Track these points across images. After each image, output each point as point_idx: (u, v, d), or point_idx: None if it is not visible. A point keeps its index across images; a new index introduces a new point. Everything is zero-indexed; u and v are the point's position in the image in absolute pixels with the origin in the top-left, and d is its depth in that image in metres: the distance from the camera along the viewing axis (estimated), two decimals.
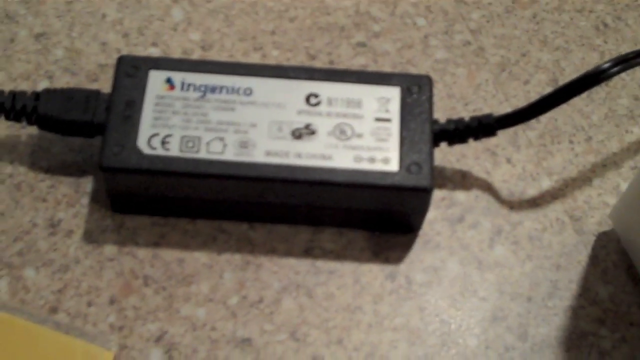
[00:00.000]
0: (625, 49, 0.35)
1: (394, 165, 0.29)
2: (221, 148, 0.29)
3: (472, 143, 0.32)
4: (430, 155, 0.29)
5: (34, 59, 0.33)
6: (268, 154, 0.29)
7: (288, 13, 0.35)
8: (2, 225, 0.30)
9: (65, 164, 0.32)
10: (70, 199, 0.31)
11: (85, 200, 0.31)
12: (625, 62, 0.29)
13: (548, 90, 0.34)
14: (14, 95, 0.30)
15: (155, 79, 0.30)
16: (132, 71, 0.30)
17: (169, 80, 0.30)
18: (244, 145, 0.29)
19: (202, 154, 0.29)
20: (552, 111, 0.33)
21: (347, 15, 0.35)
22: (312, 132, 0.29)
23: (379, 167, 0.29)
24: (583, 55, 0.35)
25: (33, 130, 0.32)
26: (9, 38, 0.34)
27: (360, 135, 0.29)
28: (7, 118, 0.31)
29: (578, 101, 0.34)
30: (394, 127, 0.29)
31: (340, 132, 0.29)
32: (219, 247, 0.31)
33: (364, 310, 0.30)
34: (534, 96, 0.34)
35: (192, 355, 0.29)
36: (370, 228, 0.31)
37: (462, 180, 0.32)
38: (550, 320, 0.30)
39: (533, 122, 0.33)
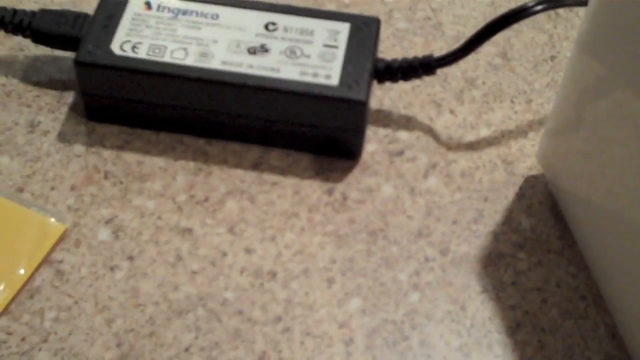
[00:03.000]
0: (573, 34, 0.38)
1: (334, 81, 0.32)
2: (183, 55, 0.32)
3: (419, 94, 0.36)
4: (369, 77, 0.32)
5: None
6: (224, 63, 0.32)
7: None
8: None
9: (52, 80, 0.36)
10: (52, 107, 0.35)
11: (64, 109, 0.35)
12: (549, 2, 0.32)
13: (496, 60, 0.37)
14: (14, 11, 0.35)
15: (136, 1, 0.34)
16: None
17: (147, 3, 0.34)
18: (203, 55, 0.32)
19: (166, 59, 0.32)
20: (498, 76, 0.36)
21: None
22: (266, 50, 0.33)
23: (320, 81, 0.32)
24: (533, 35, 0.38)
25: (30, 51, 0.36)
26: None
27: (308, 56, 0.33)
28: (6, 31, 0.35)
29: (524, 71, 0.37)
30: (340, 53, 0.33)
31: (291, 52, 0.33)
32: (176, 155, 0.34)
33: (299, 216, 0.32)
34: (483, 64, 0.37)
35: (136, 237, 0.31)
36: (315, 151, 0.34)
37: (407, 123, 0.35)
38: (471, 241, 0.32)
39: (479, 83, 0.36)
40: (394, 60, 0.34)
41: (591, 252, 0.31)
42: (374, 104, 0.35)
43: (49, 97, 0.35)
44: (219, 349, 0.29)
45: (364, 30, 0.33)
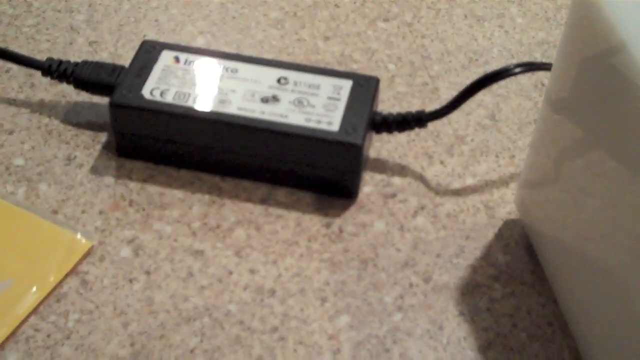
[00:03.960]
0: None
1: (335, 127, 0.36)
2: (204, 102, 0.37)
3: (414, 147, 0.40)
4: (366, 125, 0.36)
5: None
6: (239, 108, 0.37)
7: (287, 50, 0.44)
8: (31, 155, 0.39)
9: (89, 122, 0.40)
10: (87, 145, 0.39)
11: (98, 147, 0.39)
12: (527, 65, 0.36)
13: (485, 121, 0.41)
14: (60, 61, 0.40)
15: (166, 56, 0.39)
16: (150, 49, 0.39)
17: (176, 57, 0.39)
18: (222, 101, 0.37)
19: (189, 104, 0.37)
20: (486, 134, 0.41)
21: (333, 57, 0.44)
22: (277, 100, 0.37)
23: (323, 127, 0.36)
24: (520, 102, 0.42)
25: (71, 98, 0.41)
26: (69, 41, 0.44)
27: (314, 106, 0.37)
28: (52, 78, 0.40)
29: (509, 131, 0.41)
30: (341, 104, 0.37)
31: (299, 102, 0.37)
32: (194, 189, 0.38)
33: (299, 244, 0.36)
34: (473, 124, 0.41)
35: (154, 255, 0.36)
36: (317, 190, 0.38)
37: (401, 170, 0.39)
38: (452, 272, 0.36)
39: (468, 140, 0.41)
40: (390, 114, 0.38)
41: (559, 286, 0.35)
42: (372, 153, 0.40)
43: (85, 136, 0.40)
44: (220, 352, 0.33)
45: (365, 87, 0.38)
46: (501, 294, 0.35)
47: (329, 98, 0.38)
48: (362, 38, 0.45)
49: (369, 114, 0.37)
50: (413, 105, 0.42)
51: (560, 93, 0.32)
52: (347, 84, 0.38)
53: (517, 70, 0.37)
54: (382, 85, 0.43)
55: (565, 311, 0.34)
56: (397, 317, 0.34)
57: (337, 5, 0.47)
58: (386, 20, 0.46)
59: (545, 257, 0.36)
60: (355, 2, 0.47)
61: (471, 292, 0.35)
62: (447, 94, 0.43)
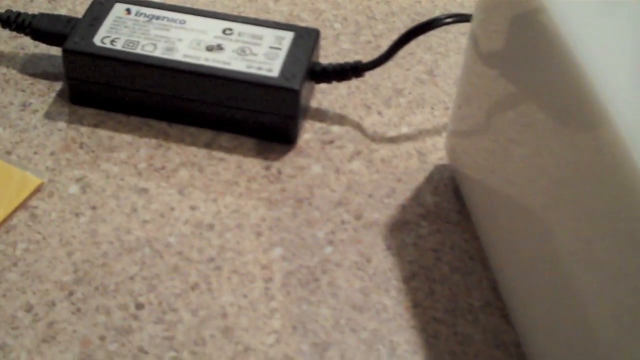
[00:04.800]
0: None
1: (275, 73, 0.38)
2: (152, 49, 0.39)
3: (353, 99, 0.42)
4: (304, 73, 0.39)
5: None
6: (185, 56, 0.39)
7: (238, 9, 0.46)
8: None
9: (45, 72, 0.42)
10: (42, 93, 0.41)
11: (52, 95, 0.41)
12: (457, 16, 0.39)
13: (423, 76, 0.43)
14: (18, 13, 0.42)
15: (118, 8, 0.41)
16: (103, 2, 0.41)
17: (127, 9, 0.41)
18: (169, 49, 0.39)
19: (138, 51, 0.39)
20: (423, 88, 0.43)
21: (282, 16, 0.46)
22: (221, 49, 0.39)
23: (264, 72, 0.38)
24: (457, 59, 0.45)
25: (29, 50, 0.43)
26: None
27: (256, 54, 0.39)
28: (10, 29, 0.42)
29: (445, 85, 0.43)
30: (282, 53, 0.39)
31: (242, 51, 0.39)
32: (141, 133, 0.40)
33: (239, 184, 0.38)
34: (411, 79, 0.43)
35: (100, 192, 0.38)
36: (258, 136, 0.40)
37: (340, 120, 0.41)
38: (383, 211, 0.38)
39: (406, 93, 0.43)
40: (329, 64, 0.41)
41: (482, 224, 0.37)
42: (314, 104, 0.42)
43: (41, 85, 0.42)
44: (158, 279, 0.35)
45: (305, 38, 0.40)
46: (428, 230, 0.37)
47: (271, 47, 0.40)
48: (315, 1, 0.47)
49: (307, 63, 0.39)
50: (357, 59, 0.44)
51: (481, 45, 0.34)
52: (289, 35, 0.40)
53: (448, 20, 0.39)
54: (327, 43, 0.45)
55: (486, 247, 0.36)
56: (327, 250, 0.36)
57: None
58: None
59: (470, 198, 0.38)
60: None
61: (399, 228, 0.37)
62: None
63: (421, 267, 0.36)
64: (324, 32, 0.45)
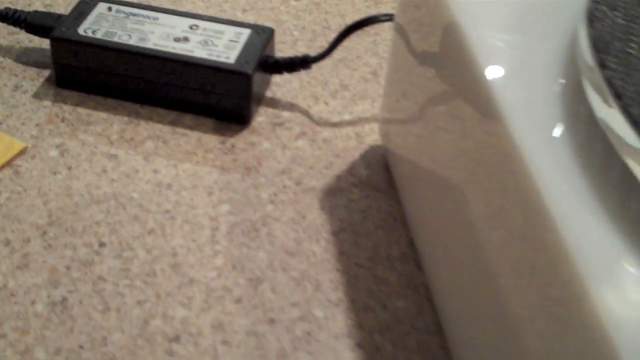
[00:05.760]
0: None
1: (231, 60, 0.45)
2: (127, 39, 0.45)
3: (304, 91, 0.48)
4: (257, 61, 0.45)
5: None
6: (155, 44, 0.45)
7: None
8: None
9: (37, 62, 0.49)
10: (33, 77, 0.48)
11: (42, 79, 0.48)
12: (391, 15, 0.45)
13: (367, 76, 0.49)
14: (15, 10, 0.48)
15: (101, 6, 0.47)
16: (89, 1, 0.48)
17: (109, 7, 0.47)
18: (142, 39, 0.46)
19: (115, 39, 0.45)
20: (367, 85, 0.49)
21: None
22: (187, 40, 0.46)
23: (222, 59, 0.45)
24: None
25: (24, 44, 0.50)
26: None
27: (217, 45, 0.45)
28: (8, 23, 0.48)
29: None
30: (239, 45, 0.46)
31: (204, 42, 0.46)
32: (116, 112, 0.46)
33: (197, 154, 0.44)
34: (357, 77, 0.49)
35: (76, 157, 0.43)
36: (217, 117, 0.46)
37: (291, 107, 0.47)
38: (320, 180, 0.43)
39: (351, 88, 0.49)
40: (281, 57, 0.47)
41: (405, 192, 0.42)
42: (269, 94, 0.48)
43: (32, 71, 0.48)
44: (120, 224, 0.40)
45: (261, 35, 0.46)
46: (358, 196, 0.43)
47: (230, 41, 0.46)
48: (275, 12, 0.54)
49: (260, 54, 0.45)
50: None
51: (401, 39, 0.40)
52: (246, 32, 0.47)
53: (383, 18, 0.45)
54: (286, 47, 0.51)
55: (407, 210, 0.42)
56: (269, 208, 0.42)
57: None
58: None
59: (397, 171, 0.43)
60: None
61: (334, 193, 0.43)
62: (339, 54, 0.51)
63: (349, 224, 0.41)
64: (284, 39, 0.52)
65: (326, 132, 0.46)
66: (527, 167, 0.28)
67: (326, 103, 0.48)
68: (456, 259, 0.36)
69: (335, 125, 0.46)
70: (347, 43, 0.52)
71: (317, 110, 0.47)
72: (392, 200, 0.43)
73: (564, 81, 0.30)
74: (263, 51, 0.46)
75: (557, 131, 0.28)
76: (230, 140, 0.45)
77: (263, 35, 0.46)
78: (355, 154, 0.45)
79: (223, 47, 0.45)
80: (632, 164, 0.26)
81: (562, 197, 0.26)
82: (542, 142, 0.28)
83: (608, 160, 0.27)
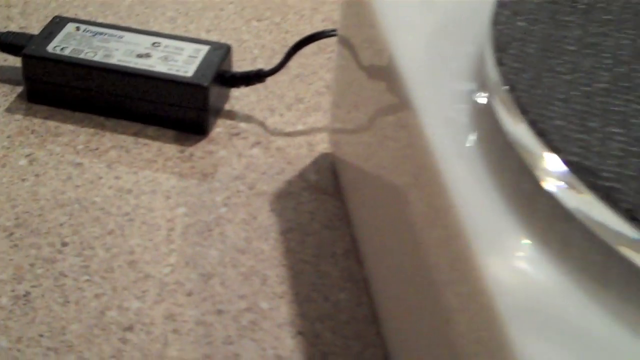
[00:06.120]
0: None
1: (190, 74, 0.48)
2: (93, 55, 0.49)
3: (261, 104, 0.51)
4: (213, 74, 0.48)
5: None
6: (119, 60, 0.48)
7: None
8: None
9: (10, 79, 0.52)
10: (5, 93, 0.51)
11: (14, 95, 0.51)
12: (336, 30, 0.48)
13: (322, 89, 0.53)
14: None
15: (70, 26, 0.51)
16: (58, 21, 0.51)
17: (77, 27, 0.51)
18: (107, 55, 0.49)
19: (82, 56, 0.49)
20: (320, 98, 0.52)
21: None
22: (149, 56, 0.49)
23: (180, 73, 0.48)
24: None
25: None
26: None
27: (176, 61, 0.49)
28: None
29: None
30: (198, 61, 0.49)
31: (165, 58, 0.49)
32: (83, 124, 0.49)
33: (157, 162, 0.47)
34: (311, 91, 0.53)
35: (44, 165, 0.46)
36: (178, 128, 0.49)
37: (248, 119, 0.50)
38: (272, 184, 0.46)
39: (305, 100, 0.52)
40: (237, 72, 0.50)
41: (349, 195, 0.45)
42: (228, 107, 0.51)
43: (5, 88, 0.51)
44: (82, 226, 0.43)
45: (218, 51, 0.50)
46: (307, 199, 0.46)
47: (189, 56, 0.49)
48: (237, 32, 0.57)
49: (217, 68, 0.48)
50: (268, 78, 0.53)
51: (343, 51, 0.43)
52: (205, 48, 0.50)
53: (330, 33, 0.48)
54: (246, 63, 0.54)
55: (351, 211, 0.45)
56: (222, 210, 0.45)
57: (221, 9, 0.59)
58: (259, 20, 0.58)
59: (343, 176, 0.46)
60: (237, 7, 0.59)
61: (284, 197, 0.46)
62: (295, 70, 0.54)
63: (297, 224, 0.44)
64: (244, 56, 0.55)
65: (280, 141, 0.49)
66: (437, 165, 0.30)
67: (281, 115, 0.51)
68: (389, 254, 0.39)
69: (288, 135, 0.49)
70: (304, 60, 0.55)
71: (272, 121, 0.50)
72: (338, 202, 0.46)
73: (474, 83, 0.33)
74: (220, 66, 0.49)
75: (466, 129, 0.31)
76: (189, 150, 0.48)
77: (220, 51, 0.50)
78: (307, 161, 0.48)
79: (182, 62, 0.49)
80: (519, 147, 0.29)
81: (466, 189, 0.29)
82: (449, 136, 0.31)
83: (506, 150, 0.30)
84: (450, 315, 0.30)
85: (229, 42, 0.56)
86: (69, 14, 0.57)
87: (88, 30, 0.51)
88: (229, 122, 0.50)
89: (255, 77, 0.50)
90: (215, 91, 0.48)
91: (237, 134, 0.49)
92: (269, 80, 0.52)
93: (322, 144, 0.49)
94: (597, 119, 0.29)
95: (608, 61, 0.31)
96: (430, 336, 0.33)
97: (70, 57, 0.49)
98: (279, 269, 0.42)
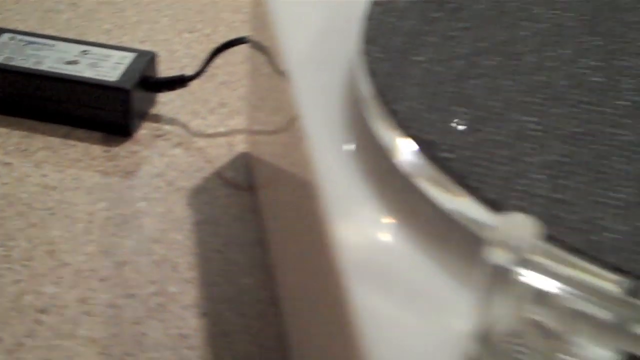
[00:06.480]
0: None
1: (114, 79, 0.51)
2: (24, 62, 0.52)
3: (185, 108, 0.54)
4: (136, 80, 0.51)
5: None
6: (49, 67, 0.51)
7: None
8: None
9: None
10: None
11: None
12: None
13: (245, 95, 0.56)
14: None
15: (4, 36, 0.54)
16: None
17: (12, 37, 0.54)
18: (37, 63, 0.52)
19: (13, 63, 0.52)
20: (243, 102, 0.55)
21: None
22: (77, 63, 0.52)
23: (106, 78, 0.51)
24: None
25: None
26: None
27: (103, 67, 0.52)
28: None
29: None
30: (123, 67, 0.52)
31: (93, 65, 0.52)
32: (15, 127, 0.52)
33: (83, 161, 0.50)
34: (234, 97, 0.56)
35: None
36: (105, 130, 0.52)
37: (172, 122, 0.53)
38: (191, 180, 0.49)
39: (228, 105, 0.55)
40: (160, 77, 0.53)
41: (261, 190, 0.48)
42: (154, 111, 0.54)
43: None
44: (6, 219, 0.46)
45: (143, 59, 0.53)
46: (223, 194, 0.49)
47: (115, 63, 0.52)
48: (169, 43, 0.60)
49: (141, 73, 0.51)
50: (194, 85, 0.56)
51: (252, 60, 0.46)
52: (131, 55, 0.53)
53: (246, 40, 0.51)
54: (174, 72, 0.57)
55: (261, 205, 0.48)
56: (141, 204, 0.48)
57: (156, 22, 0.62)
58: (191, 32, 0.61)
59: (256, 173, 0.49)
60: (170, 20, 0.62)
61: (201, 192, 0.49)
62: (222, 77, 0.57)
63: (211, 216, 0.47)
64: (173, 65, 0.58)
65: (201, 142, 0.52)
66: (308, 149, 0.33)
67: (204, 118, 0.54)
68: (287, 239, 0.41)
69: (210, 136, 0.52)
70: (230, 68, 0.58)
71: (195, 124, 0.53)
72: (251, 197, 0.48)
73: (350, 75, 0.36)
74: (144, 71, 0.52)
75: (338, 115, 0.34)
76: (114, 150, 0.51)
77: (145, 58, 0.53)
78: (225, 160, 0.51)
79: (109, 68, 0.52)
80: (375, 126, 0.32)
81: (329, 166, 0.32)
82: (322, 123, 0.34)
83: (369, 130, 0.33)
84: (318, 285, 0.33)
85: (160, 52, 0.59)
86: (11, 27, 0.60)
87: (21, 40, 0.54)
88: (154, 124, 0.53)
89: (178, 82, 0.53)
90: (139, 95, 0.51)
91: (160, 136, 0.52)
92: (195, 86, 0.56)
93: (241, 145, 0.52)
94: (446, 100, 0.32)
95: (465, 51, 0.34)
96: (313, 312, 0.35)
97: (2, 64, 0.51)
98: (190, 257, 0.45)
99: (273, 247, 0.44)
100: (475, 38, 0.35)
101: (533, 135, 0.30)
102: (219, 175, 0.50)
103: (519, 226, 0.23)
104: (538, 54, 0.34)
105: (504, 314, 0.23)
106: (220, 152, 0.51)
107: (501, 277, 0.22)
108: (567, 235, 0.26)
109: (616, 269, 0.25)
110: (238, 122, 0.54)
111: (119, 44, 0.59)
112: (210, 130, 0.53)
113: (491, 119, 0.31)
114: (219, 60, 0.59)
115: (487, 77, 0.33)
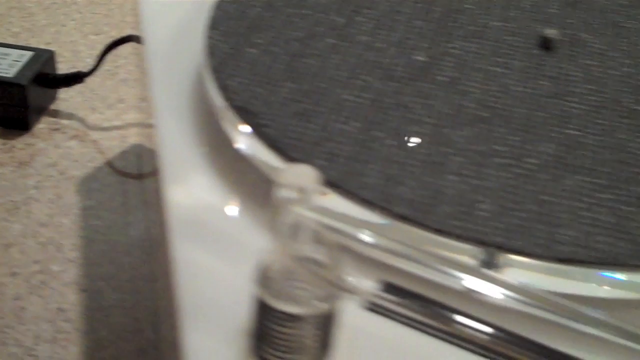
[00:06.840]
0: None
1: (11, 75, 0.53)
2: None
3: (84, 104, 0.57)
4: (32, 76, 0.53)
5: None
6: None
7: None
8: None
9: None
10: None
11: None
12: None
13: (143, 93, 0.58)
14: None
15: None
16: None
17: None
18: None
19: None
20: (139, 98, 0.58)
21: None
22: None
23: (3, 74, 0.53)
24: None
25: None
26: None
27: (1, 64, 0.54)
28: None
29: None
30: (21, 64, 0.54)
31: None
32: None
33: None
34: (132, 93, 0.58)
35: None
36: (4, 125, 0.54)
37: (70, 117, 0.56)
38: (82, 170, 0.52)
39: (125, 101, 0.57)
40: (57, 74, 0.56)
41: (148, 176, 0.51)
42: (54, 107, 0.56)
43: None
44: None
45: (41, 56, 0.55)
46: (111, 182, 0.51)
47: (14, 60, 0.55)
48: (74, 44, 0.63)
49: (38, 70, 0.54)
50: (95, 82, 0.59)
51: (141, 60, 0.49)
52: (29, 54, 0.55)
53: (135, 38, 0.54)
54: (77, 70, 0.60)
55: (147, 190, 0.50)
56: (32, 192, 0.50)
57: (63, 25, 0.65)
58: (97, 34, 0.64)
59: (146, 162, 0.52)
60: (78, 23, 0.65)
61: (91, 180, 0.51)
62: (122, 75, 0.60)
63: (99, 202, 0.50)
64: (77, 65, 0.61)
65: (96, 135, 0.55)
66: (159, 124, 0.36)
67: (101, 113, 0.57)
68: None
69: (105, 129, 0.55)
70: (132, 67, 0.61)
71: (92, 118, 0.56)
72: (141, 184, 0.51)
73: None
74: (42, 69, 0.54)
75: (185, 94, 0.37)
76: (11, 142, 0.54)
77: (43, 56, 0.55)
78: (117, 150, 0.54)
79: (7, 65, 0.54)
80: (210, 100, 0.35)
81: (171, 137, 0.35)
82: (172, 100, 0.37)
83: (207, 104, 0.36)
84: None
85: (65, 53, 0.62)
86: None
87: None
88: (52, 119, 0.56)
89: (73, 78, 0.55)
90: (35, 90, 0.54)
91: (57, 129, 0.55)
92: (95, 83, 0.58)
93: (133, 137, 0.55)
94: (277, 77, 0.35)
95: (302, 34, 0.37)
96: (164, 277, 0.38)
97: None
98: (75, 239, 0.47)
99: (155, 228, 0.47)
100: (315, 23, 0.38)
101: (349, 106, 0.33)
102: (110, 165, 0.52)
103: (303, 173, 0.26)
104: (371, 37, 0.38)
105: (279, 252, 0.26)
106: (113, 144, 0.54)
107: (280, 217, 0.25)
108: (360, 190, 0.29)
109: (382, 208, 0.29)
110: (133, 117, 0.56)
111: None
112: (106, 124, 0.56)
113: (315, 92, 0.34)
114: (120, 59, 0.62)
115: (319, 56, 0.36)
